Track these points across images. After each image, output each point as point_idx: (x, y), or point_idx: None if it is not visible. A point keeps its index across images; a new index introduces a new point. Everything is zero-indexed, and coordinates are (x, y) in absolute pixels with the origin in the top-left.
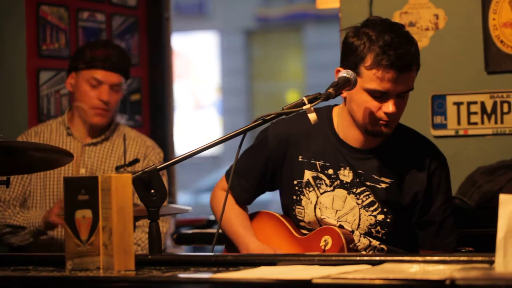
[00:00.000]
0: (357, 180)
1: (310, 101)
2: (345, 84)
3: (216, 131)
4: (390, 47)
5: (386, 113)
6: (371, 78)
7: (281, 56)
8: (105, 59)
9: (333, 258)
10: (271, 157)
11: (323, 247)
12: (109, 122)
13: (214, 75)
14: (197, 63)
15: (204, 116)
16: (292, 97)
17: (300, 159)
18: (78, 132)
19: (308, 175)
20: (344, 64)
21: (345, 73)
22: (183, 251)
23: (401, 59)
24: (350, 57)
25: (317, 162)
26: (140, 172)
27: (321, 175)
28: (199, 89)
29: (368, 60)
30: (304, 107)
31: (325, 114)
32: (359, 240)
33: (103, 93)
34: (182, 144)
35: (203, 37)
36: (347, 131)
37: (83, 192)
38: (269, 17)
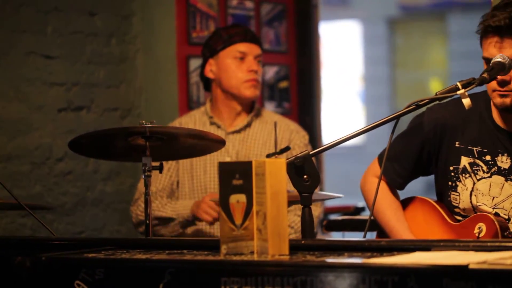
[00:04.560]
0: None
1: (464, 86)
2: (499, 69)
3: (359, 120)
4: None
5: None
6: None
7: (424, 44)
8: (245, 32)
9: (489, 244)
10: (426, 141)
11: (477, 234)
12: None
13: (357, 64)
14: (340, 52)
15: (348, 105)
16: (435, 86)
17: (457, 145)
18: (221, 120)
19: (464, 161)
20: None
21: (499, 57)
22: (333, 237)
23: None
24: None
25: (474, 148)
26: (293, 158)
27: (478, 161)
28: (342, 78)
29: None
30: (458, 92)
31: (483, 99)
32: None
33: (252, 64)
34: (325, 132)
35: (346, 25)
36: (502, 116)
37: (237, 176)
38: (413, 5)
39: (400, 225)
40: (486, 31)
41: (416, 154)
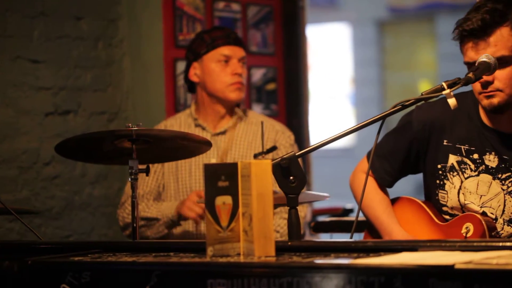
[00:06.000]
0: (503, 165)
1: (449, 86)
2: (484, 68)
3: (349, 122)
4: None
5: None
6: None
7: (414, 46)
8: (227, 35)
9: (475, 244)
10: (415, 139)
11: (464, 234)
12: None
13: (346, 66)
14: (330, 54)
15: (337, 107)
16: (424, 87)
17: (445, 143)
18: (206, 122)
19: (452, 159)
20: None
21: (484, 57)
22: (321, 239)
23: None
24: None
25: (462, 147)
26: (279, 159)
27: (465, 160)
28: (332, 80)
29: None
30: (444, 92)
31: (471, 98)
32: (503, 228)
33: (236, 67)
34: (315, 135)
35: (335, 28)
36: (489, 116)
37: (223, 178)
38: (402, 7)
39: (390, 220)
40: (462, 36)
41: (405, 153)
